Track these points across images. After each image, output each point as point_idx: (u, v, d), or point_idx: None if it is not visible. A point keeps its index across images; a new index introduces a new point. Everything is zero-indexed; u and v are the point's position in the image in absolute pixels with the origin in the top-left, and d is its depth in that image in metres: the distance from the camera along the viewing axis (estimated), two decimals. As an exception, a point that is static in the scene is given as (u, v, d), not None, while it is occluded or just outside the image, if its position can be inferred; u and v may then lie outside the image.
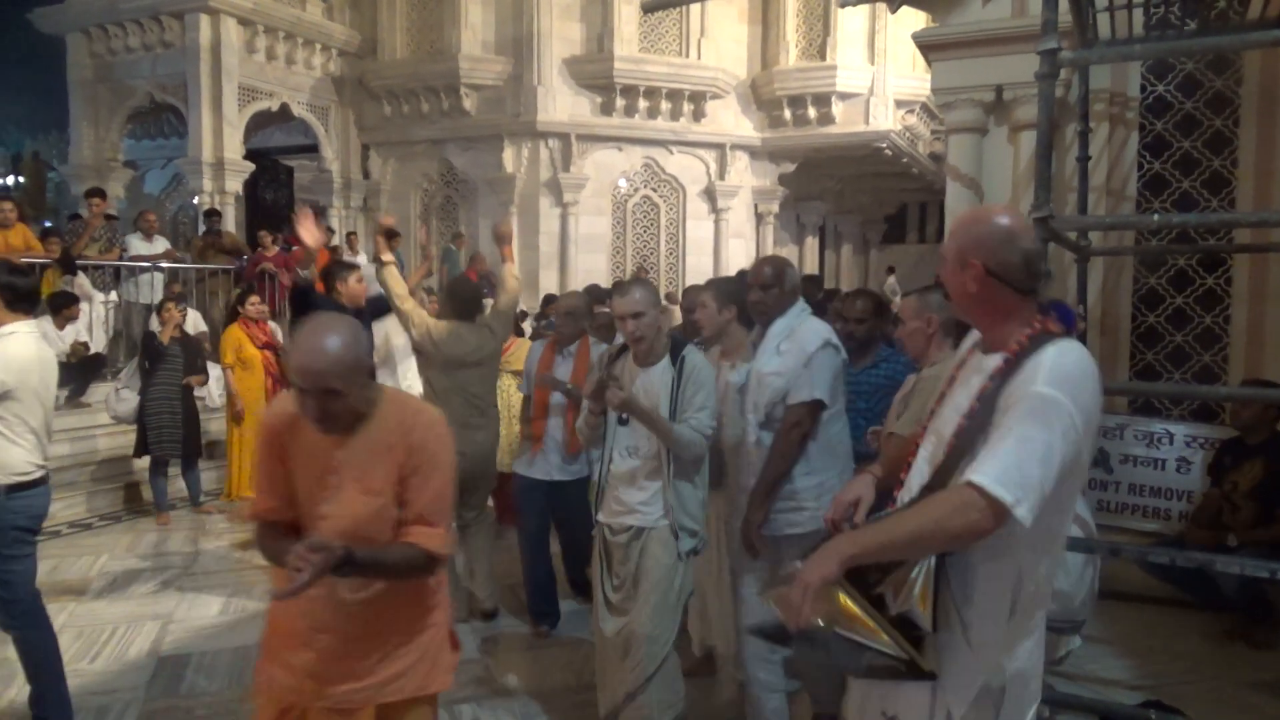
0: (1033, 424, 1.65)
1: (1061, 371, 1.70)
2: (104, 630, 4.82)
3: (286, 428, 2.09)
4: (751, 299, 3.29)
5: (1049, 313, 1.85)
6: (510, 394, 6.24)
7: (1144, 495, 5.53)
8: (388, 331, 6.41)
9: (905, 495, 1.91)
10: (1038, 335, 1.78)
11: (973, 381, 1.86)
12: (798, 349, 3.19)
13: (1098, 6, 4.80)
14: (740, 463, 3.33)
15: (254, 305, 7.71)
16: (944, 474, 1.78)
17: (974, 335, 2.01)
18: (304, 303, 4.56)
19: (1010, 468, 1.63)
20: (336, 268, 5.18)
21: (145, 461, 7.28)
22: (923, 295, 3.10)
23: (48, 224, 14.70)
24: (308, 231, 4.43)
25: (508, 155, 14.10)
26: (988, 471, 1.64)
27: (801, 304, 3.37)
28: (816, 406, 3.16)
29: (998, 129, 6.07)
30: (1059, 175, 5.68)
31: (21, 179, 19.95)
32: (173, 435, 7.08)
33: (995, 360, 1.81)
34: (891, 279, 19.48)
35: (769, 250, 16.14)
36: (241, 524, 7.04)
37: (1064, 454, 1.65)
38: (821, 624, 1.66)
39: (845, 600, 1.68)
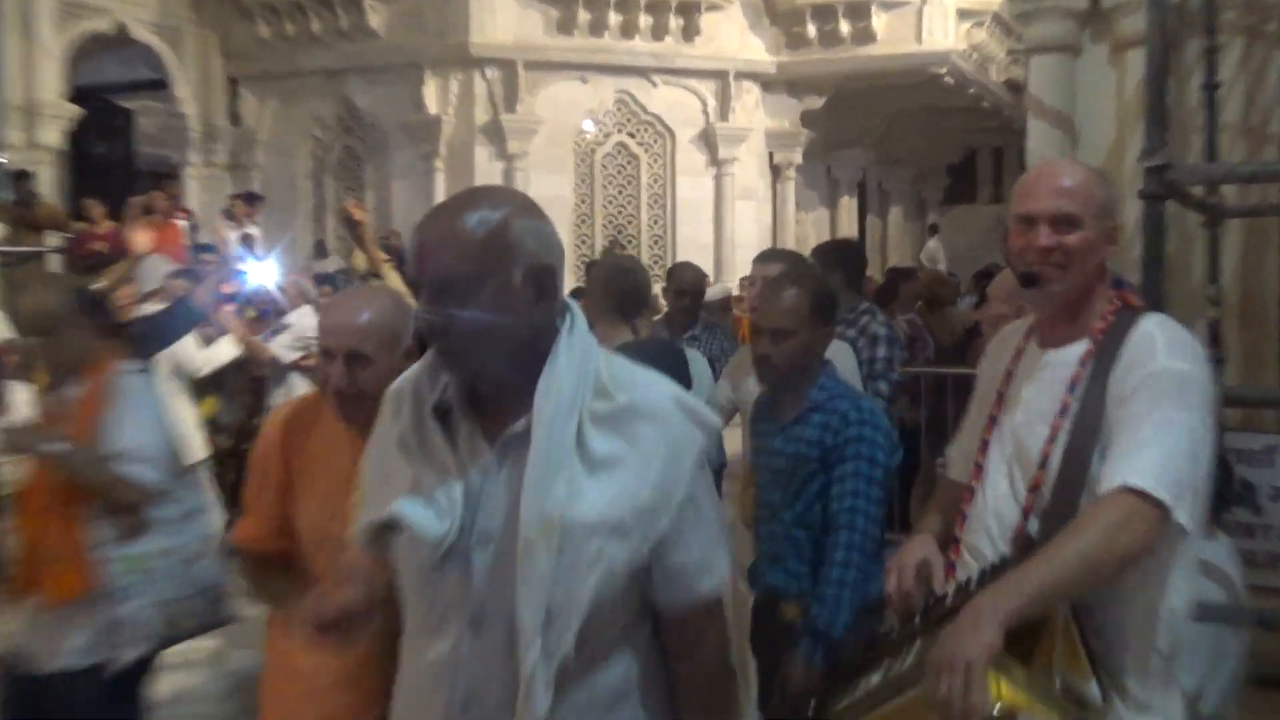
0: (1171, 406, 1.83)
1: (1181, 342, 1.92)
2: None
3: (296, 427, 2.24)
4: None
5: (1120, 288, 2.06)
6: None
7: (1309, 544, 5.53)
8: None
9: (981, 545, 2.04)
10: (1122, 311, 2.00)
11: (1045, 378, 2.03)
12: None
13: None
14: None
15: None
16: (1067, 492, 1.91)
17: (1013, 327, 2.23)
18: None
19: (1159, 462, 1.77)
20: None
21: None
22: None
23: None
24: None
25: (430, 91, 14.10)
26: (1141, 469, 1.76)
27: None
28: None
29: (1095, 47, 6.08)
30: (1178, 109, 5.64)
31: None
32: None
33: (1076, 349, 2.00)
34: (933, 242, 19.46)
35: (789, 218, 16.25)
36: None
37: (1209, 440, 1.83)
38: (996, 715, 1.62)
39: (1001, 681, 1.65)
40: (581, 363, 1.55)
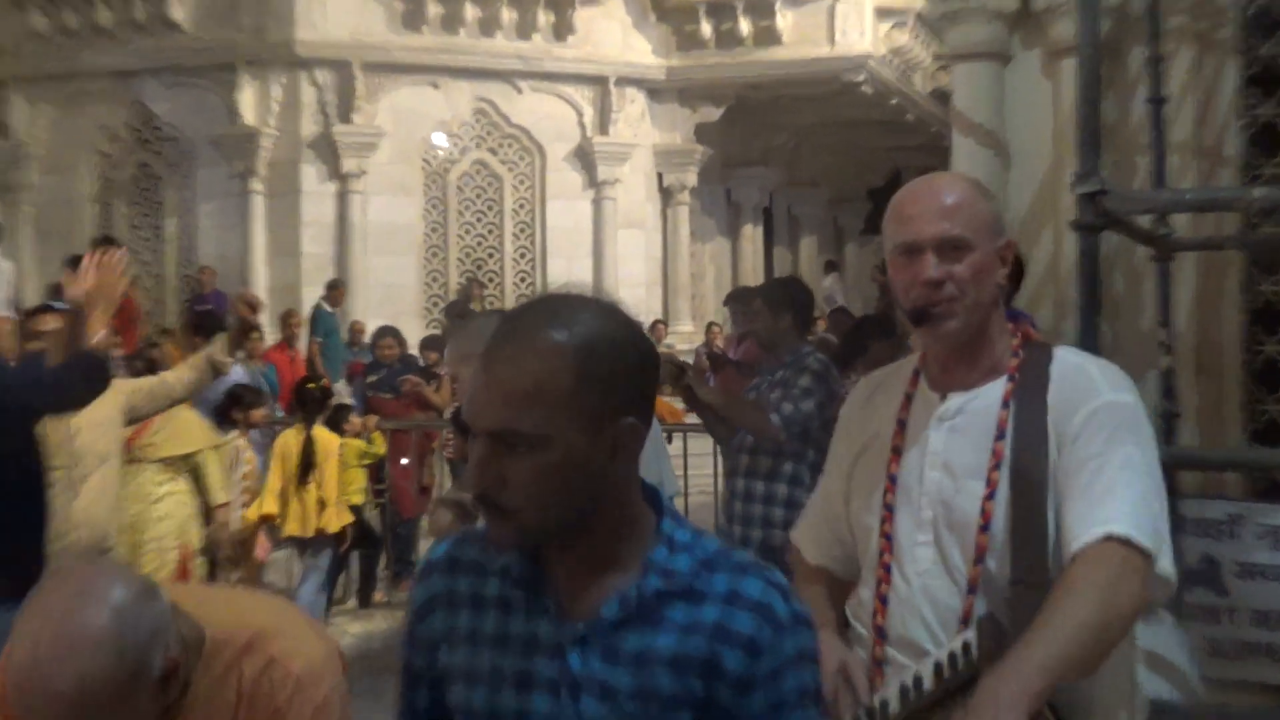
0: (1130, 443, 1.94)
1: (1115, 373, 2.06)
2: None
3: None
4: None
5: (1016, 320, 2.15)
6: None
7: (1278, 628, 5.54)
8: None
9: (916, 636, 2.04)
10: (1029, 345, 2.13)
11: (960, 426, 2.07)
12: None
13: None
14: None
15: None
16: (1025, 555, 1.95)
17: (884, 372, 2.35)
18: None
19: (1134, 506, 1.87)
20: None
21: None
22: None
23: None
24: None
25: (246, 97, 14.13)
26: (1118, 516, 1.85)
27: None
28: None
29: (1026, 54, 6.16)
30: (1121, 127, 5.73)
31: None
32: None
33: (992, 390, 2.07)
34: (829, 280, 19.61)
35: (682, 248, 16.35)
36: None
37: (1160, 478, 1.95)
38: None
39: None
40: None
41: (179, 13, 13.98)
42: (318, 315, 12.72)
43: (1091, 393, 1.98)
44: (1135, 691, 2.06)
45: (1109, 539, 1.82)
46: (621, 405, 1.46)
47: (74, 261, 11.71)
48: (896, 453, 2.12)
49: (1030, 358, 2.06)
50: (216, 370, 6.03)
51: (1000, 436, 1.99)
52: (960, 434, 2.05)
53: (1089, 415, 1.95)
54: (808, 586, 2.29)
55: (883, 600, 2.09)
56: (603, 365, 1.44)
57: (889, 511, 2.10)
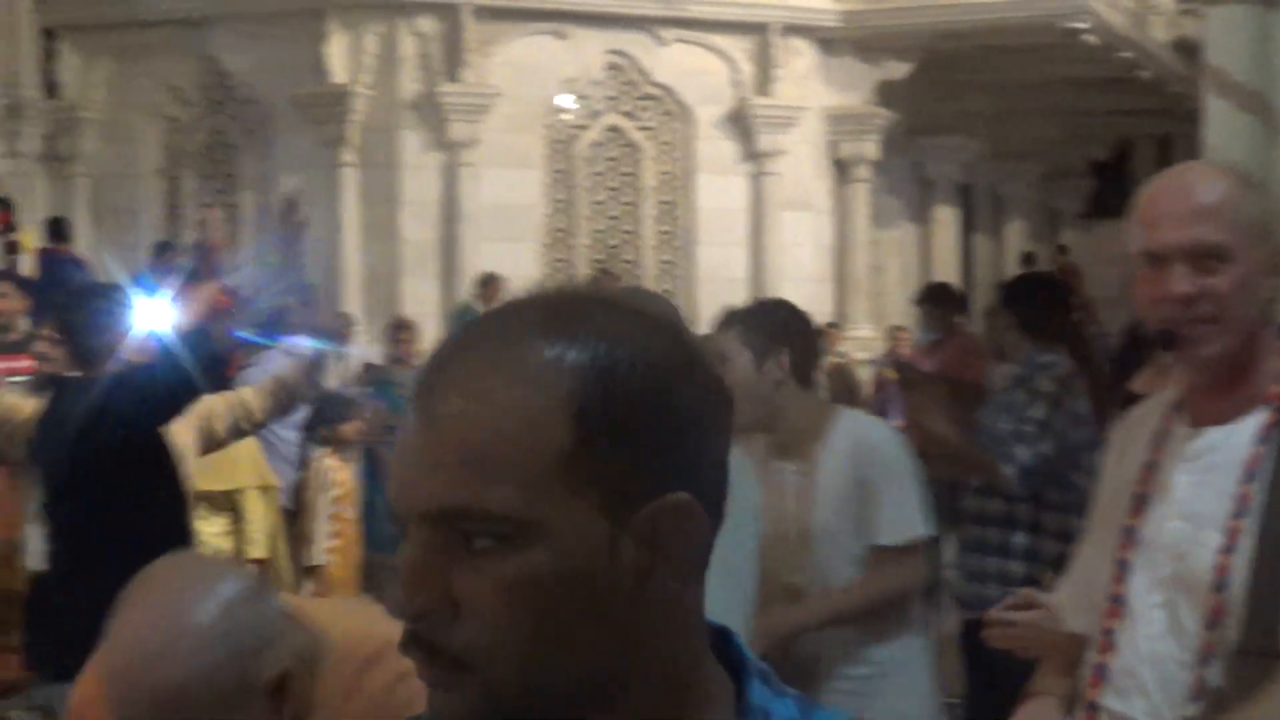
0: None
1: None
2: None
3: None
4: None
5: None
6: None
7: None
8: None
9: (1130, 695, 2.05)
10: None
11: (1206, 466, 2.05)
12: None
13: None
14: None
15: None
16: (1261, 620, 1.91)
17: (1146, 407, 2.39)
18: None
19: None
20: None
21: None
22: None
23: None
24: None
25: (335, 50, 13.86)
26: None
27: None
28: None
29: None
30: None
31: None
32: None
33: (1248, 423, 2.04)
34: None
35: (859, 234, 15.77)
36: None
37: None
38: None
39: None
40: None
41: (256, -50, 14.01)
42: (463, 311, 12.43)
43: None
44: None
45: None
46: (662, 471, 0.96)
47: (161, 248, 11.70)
48: (1139, 500, 2.12)
49: None
50: (291, 394, 5.60)
51: (1250, 479, 1.97)
52: (1205, 474, 2.04)
53: None
54: (1056, 654, 2.36)
55: (1099, 670, 2.10)
56: (627, 402, 0.96)
57: (1121, 567, 2.11)
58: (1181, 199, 2.03)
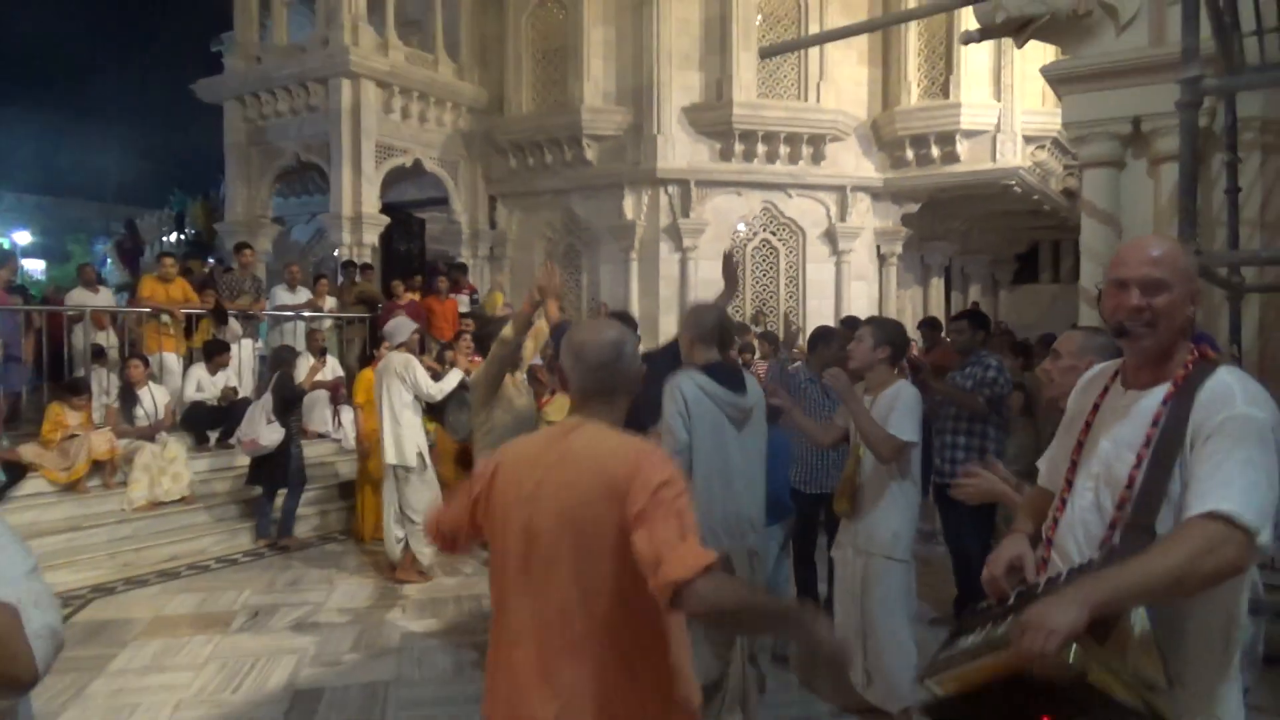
0: (1251, 446, 1.66)
1: (1257, 393, 1.75)
2: (245, 662, 5.04)
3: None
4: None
5: (1199, 342, 1.92)
6: None
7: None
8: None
9: (1069, 548, 1.90)
10: (1200, 361, 1.84)
11: (1131, 413, 1.88)
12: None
13: (1244, 31, 4.55)
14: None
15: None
16: (1143, 513, 1.77)
17: (1101, 369, 2.09)
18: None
19: (1245, 493, 1.61)
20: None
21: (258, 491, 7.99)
22: (1091, 334, 3.09)
23: (210, 259, 15.46)
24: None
25: (628, 203, 14.12)
26: (1229, 498, 1.61)
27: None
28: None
29: (1136, 162, 5.87)
30: (1205, 209, 5.38)
31: (188, 225, 21.62)
32: (283, 467, 7.72)
33: (1159, 391, 1.85)
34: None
35: (892, 294, 15.80)
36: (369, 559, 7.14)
37: (1275, 478, 1.67)
38: (1072, 664, 1.51)
39: (1076, 649, 1.55)
40: None
41: (591, 154, 14.36)
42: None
43: (1230, 403, 1.73)
44: (1234, 626, 1.78)
45: (1215, 514, 1.61)
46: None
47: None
48: (1088, 426, 1.99)
49: (1195, 371, 1.83)
50: (502, 342, 4.60)
51: (1154, 424, 1.82)
52: (1129, 418, 1.89)
53: (1223, 421, 1.72)
54: (1031, 501, 2.21)
55: (1055, 521, 1.98)
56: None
57: (1072, 465, 1.98)
58: (1142, 250, 1.87)
